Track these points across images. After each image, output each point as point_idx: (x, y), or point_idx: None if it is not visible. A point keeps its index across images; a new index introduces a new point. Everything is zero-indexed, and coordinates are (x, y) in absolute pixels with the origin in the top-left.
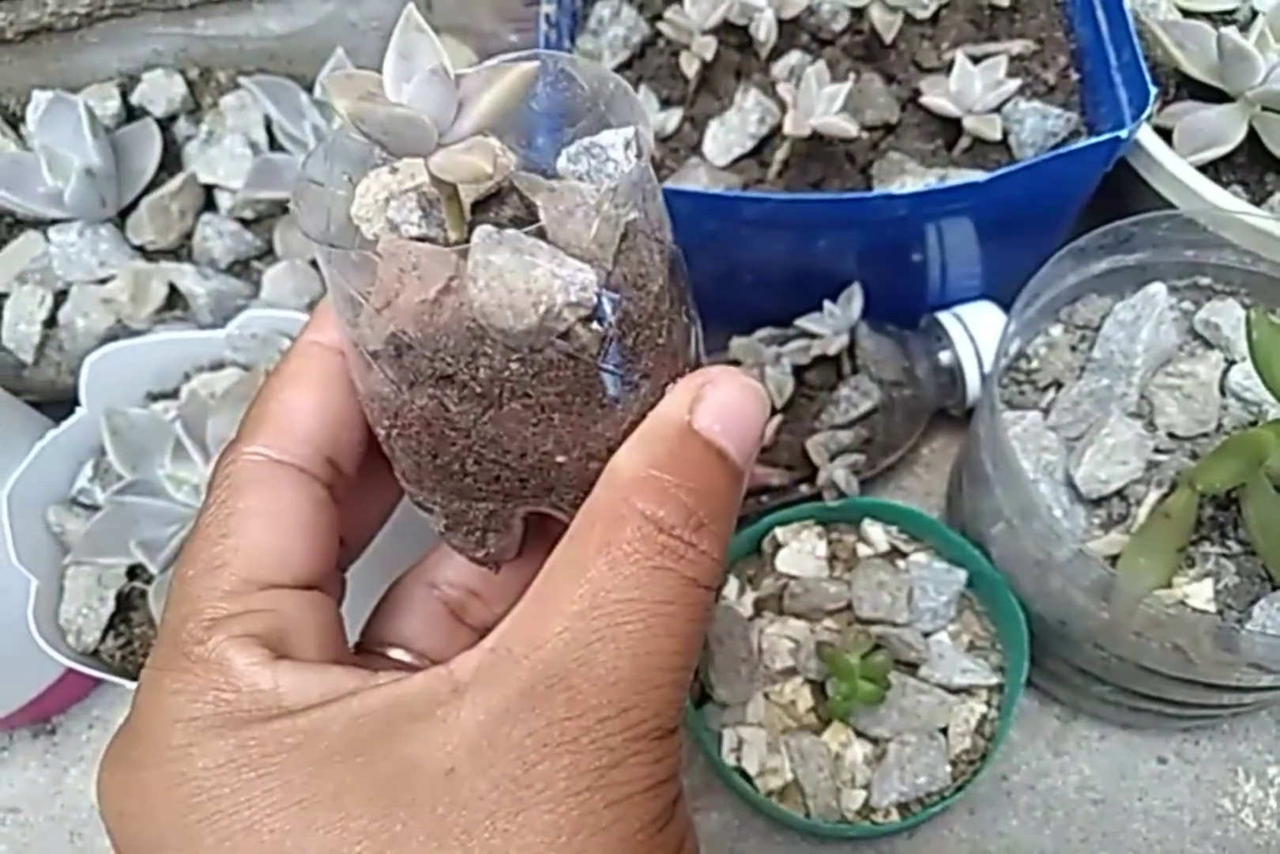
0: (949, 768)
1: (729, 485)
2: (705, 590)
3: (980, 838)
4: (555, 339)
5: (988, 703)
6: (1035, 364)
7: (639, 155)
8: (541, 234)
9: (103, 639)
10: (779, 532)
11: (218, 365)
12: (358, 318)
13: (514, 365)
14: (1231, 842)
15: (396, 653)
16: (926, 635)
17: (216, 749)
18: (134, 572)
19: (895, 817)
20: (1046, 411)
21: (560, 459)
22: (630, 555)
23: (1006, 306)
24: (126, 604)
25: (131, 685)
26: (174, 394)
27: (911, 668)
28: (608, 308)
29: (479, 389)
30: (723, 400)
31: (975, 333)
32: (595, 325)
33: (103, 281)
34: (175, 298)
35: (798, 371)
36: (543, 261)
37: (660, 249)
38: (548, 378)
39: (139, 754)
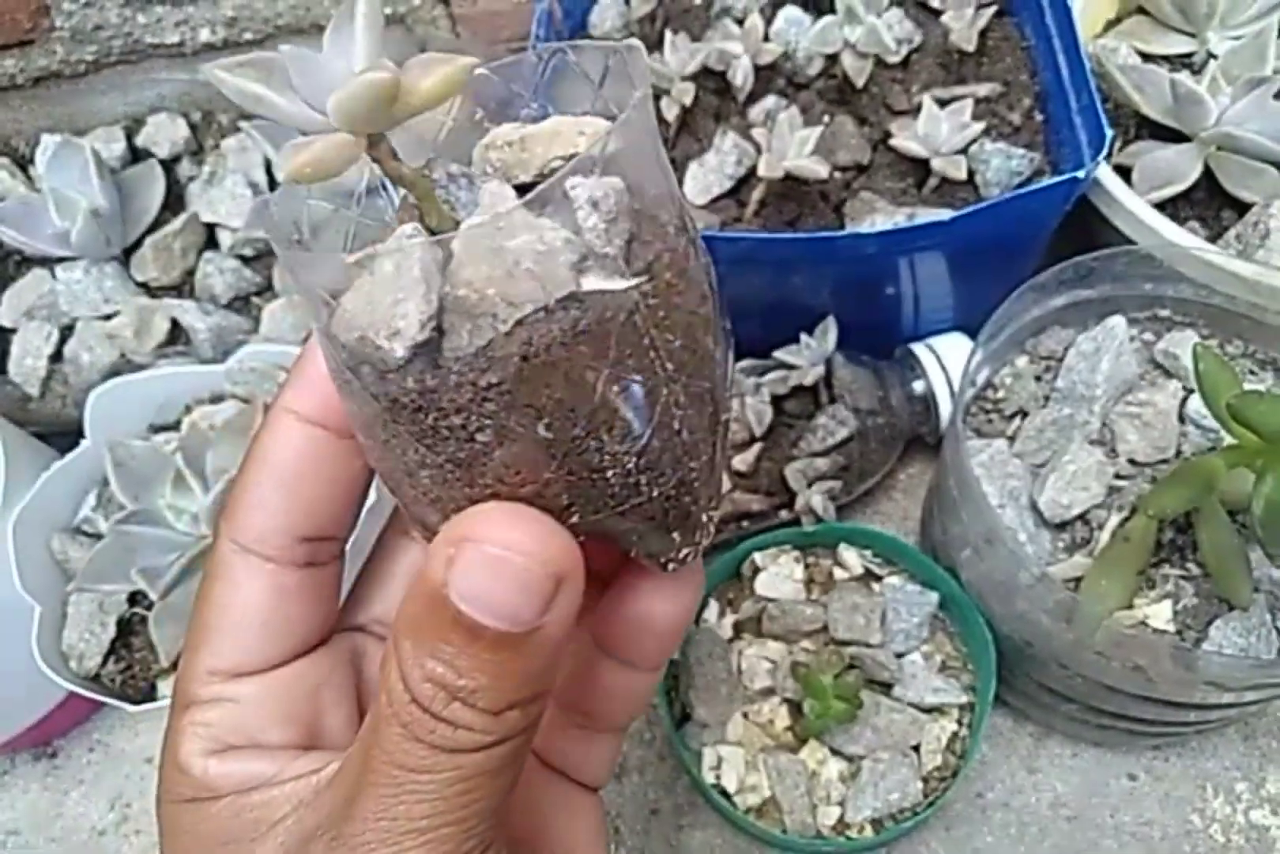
0: (920, 784)
1: (496, 657)
2: (473, 754)
3: None
4: (364, 375)
5: (959, 721)
6: (1001, 393)
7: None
8: (448, 255)
9: (104, 664)
10: (758, 556)
11: (218, 398)
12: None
13: (343, 370)
14: None
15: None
16: (899, 656)
17: (163, 814)
18: (135, 598)
19: (869, 832)
20: (1012, 439)
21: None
22: (388, 717)
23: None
24: (127, 630)
25: (131, 709)
26: (175, 426)
27: (885, 687)
28: (426, 371)
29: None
30: (476, 570)
31: (947, 363)
32: (409, 382)
33: (107, 317)
34: (177, 333)
35: (776, 401)
36: (394, 288)
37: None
38: (357, 400)
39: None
